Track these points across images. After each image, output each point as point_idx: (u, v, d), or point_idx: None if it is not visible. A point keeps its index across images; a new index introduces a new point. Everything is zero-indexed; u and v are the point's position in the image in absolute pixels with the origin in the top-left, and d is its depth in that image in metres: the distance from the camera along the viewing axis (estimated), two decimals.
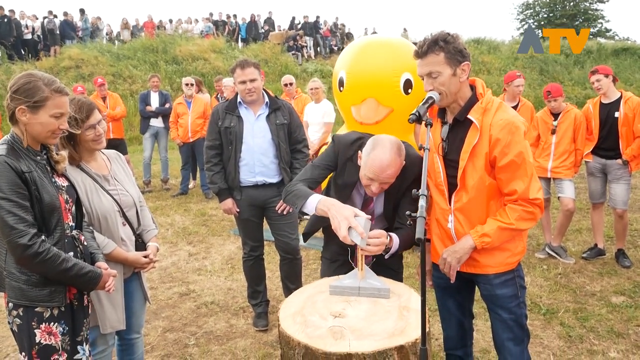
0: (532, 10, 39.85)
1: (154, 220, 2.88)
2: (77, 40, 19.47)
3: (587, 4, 38.21)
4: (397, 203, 2.51)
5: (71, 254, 2.13)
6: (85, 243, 2.25)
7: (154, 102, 8.91)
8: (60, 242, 2.07)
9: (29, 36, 18.34)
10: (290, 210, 3.81)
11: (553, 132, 5.17)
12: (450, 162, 2.22)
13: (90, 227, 2.40)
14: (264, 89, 3.83)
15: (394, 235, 2.36)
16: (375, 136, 2.36)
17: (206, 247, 6.14)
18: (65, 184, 2.20)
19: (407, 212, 1.68)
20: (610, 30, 38.33)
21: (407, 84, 4.88)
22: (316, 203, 2.30)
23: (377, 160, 2.25)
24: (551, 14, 38.33)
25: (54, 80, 2.07)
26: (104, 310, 2.50)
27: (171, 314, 4.38)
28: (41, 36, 18.55)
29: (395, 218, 2.54)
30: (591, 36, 34.41)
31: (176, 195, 8.78)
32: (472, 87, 2.22)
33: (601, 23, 38.33)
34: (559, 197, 5.25)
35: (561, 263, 5.18)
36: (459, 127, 2.20)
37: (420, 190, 1.72)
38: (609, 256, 5.29)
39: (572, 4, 38.10)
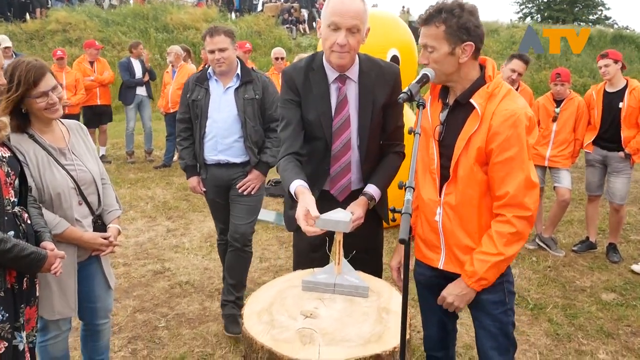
0: None
1: (118, 199, 2.63)
2: (66, 3, 18.84)
3: None
4: (374, 112, 2.31)
5: (11, 233, 1.89)
6: (28, 221, 2.01)
7: (138, 70, 8.65)
8: None
9: None
10: (253, 192, 3.47)
11: (554, 119, 4.94)
12: (445, 150, 1.98)
13: (38, 204, 2.16)
14: (239, 60, 3.48)
15: (371, 187, 2.27)
16: None
17: (185, 224, 5.91)
18: (7, 154, 1.95)
19: (391, 207, 1.46)
20: (610, 18, 38.01)
21: (394, 61, 4.69)
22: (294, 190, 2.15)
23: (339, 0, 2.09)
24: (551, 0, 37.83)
25: None
26: (52, 296, 2.27)
27: (143, 293, 4.17)
28: None
29: (377, 135, 2.40)
30: (590, 24, 34.07)
31: (159, 167, 8.52)
32: (482, 68, 1.97)
33: (601, 10, 37.93)
34: (554, 187, 5.06)
35: (551, 255, 5.02)
36: (460, 110, 1.95)
37: (407, 182, 1.48)
38: (600, 250, 5.13)
39: None
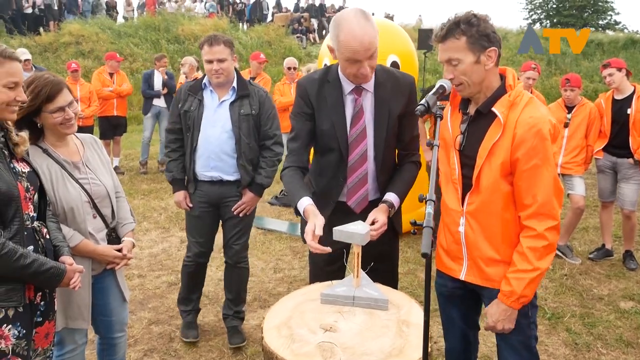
0: (541, 0, 39.15)
1: (133, 212, 2.64)
2: (78, 16, 19.11)
3: None
4: (389, 123, 2.31)
5: (31, 248, 1.90)
6: (47, 236, 2.02)
7: (158, 82, 8.74)
8: (18, 236, 1.84)
9: (30, 10, 17.99)
10: (247, 214, 3.39)
11: (566, 125, 4.93)
12: (467, 159, 1.98)
13: (56, 218, 2.17)
14: (236, 71, 3.29)
15: (390, 195, 2.29)
16: (335, 17, 2.16)
17: None
18: (27, 169, 1.97)
19: (412, 220, 1.45)
20: (620, 22, 37.70)
21: (394, 67, 4.76)
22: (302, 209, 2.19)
23: (350, 35, 2.04)
24: (560, 5, 37.64)
25: (0, 45, 1.83)
26: (63, 308, 2.29)
27: (158, 304, 4.18)
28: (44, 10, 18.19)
29: (393, 145, 2.42)
30: (600, 29, 33.82)
31: None
32: (502, 77, 1.97)
33: (610, 15, 37.67)
34: (568, 195, 5.02)
35: (567, 263, 4.97)
36: (481, 120, 1.95)
37: (427, 195, 1.47)
38: (617, 257, 5.07)
39: None
